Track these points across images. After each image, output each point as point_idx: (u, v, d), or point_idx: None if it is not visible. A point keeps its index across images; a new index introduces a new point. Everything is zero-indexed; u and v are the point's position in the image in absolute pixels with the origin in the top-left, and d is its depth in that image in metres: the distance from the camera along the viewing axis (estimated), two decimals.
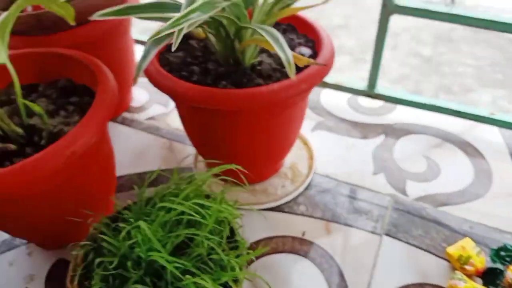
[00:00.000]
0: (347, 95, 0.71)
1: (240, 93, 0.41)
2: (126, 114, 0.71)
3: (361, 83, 0.66)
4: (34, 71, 0.51)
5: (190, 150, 0.64)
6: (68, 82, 0.51)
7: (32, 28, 0.51)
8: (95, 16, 0.39)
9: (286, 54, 0.35)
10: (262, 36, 0.38)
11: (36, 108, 0.40)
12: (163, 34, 0.30)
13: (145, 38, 0.80)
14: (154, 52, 0.40)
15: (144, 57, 0.40)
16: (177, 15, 0.31)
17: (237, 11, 0.41)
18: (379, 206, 0.55)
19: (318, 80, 0.44)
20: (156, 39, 0.40)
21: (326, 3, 0.41)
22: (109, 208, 0.54)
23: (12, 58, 0.50)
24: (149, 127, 0.68)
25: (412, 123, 0.67)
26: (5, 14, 0.42)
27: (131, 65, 0.68)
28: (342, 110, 0.69)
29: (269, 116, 0.46)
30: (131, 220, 0.37)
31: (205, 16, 0.32)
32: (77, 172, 0.43)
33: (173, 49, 0.32)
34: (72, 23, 0.49)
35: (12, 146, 0.43)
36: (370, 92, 0.65)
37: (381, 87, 0.65)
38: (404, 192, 0.57)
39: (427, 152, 0.62)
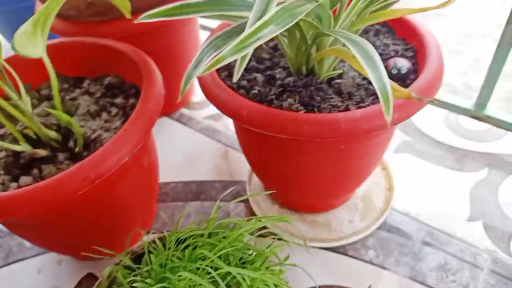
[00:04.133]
0: (446, 111, 0.58)
1: (308, 120, 0.32)
2: (184, 110, 0.64)
3: (467, 101, 0.53)
4: (83, 62, 0.46)
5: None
6: (116, 78, 0.44)
7: (84, 14, 0.45)
8: (142, 19, 0.31)
9: (382, 82, 0.25)
10: (349, 49, 0.28)
11: (63, 117, 0.34)
12: (224, 62, 0.22)
13: (212, 24, 0.72)
14: (207, 60, 0.32)
15: (196, 65, 0.32)
16: (242, 34, 0.22)
17: (320, 12, 0.31)
18: (471, 265, 0.43)
19: (416, 109, 0.33)
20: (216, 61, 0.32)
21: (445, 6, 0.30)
22: (150, 216, 0.48)
23: (59, 47, 0.45)
24: (206, 128, 0.61)
25: None
26: (46, 3, 0.36)
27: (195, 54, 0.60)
28: (436, 130, 0.57)
29: (345, 146, 0.36)
30: (152, 270, 0.30)
31: (280, 30, 0.23)
32: (108, 190, 0.36)
33: (234, 80, 0.24)
34: (128, 16, 0.42)
35: (41, 153, 0.38)
36: (477, 113, 0.51)
37: (494, 109, 0.51)
38: (507, 251, 0.44)
39: None
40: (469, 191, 0.49)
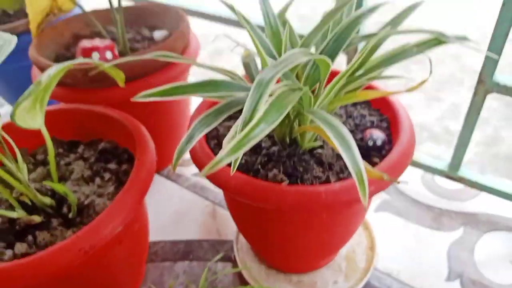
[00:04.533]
0: (422, 171, 0.61)
1: (291, 192, 0.34)
2: None
3: (441, 162, 0.56)
4: (77, 127, 0.48)
5: None
6: (110, 144, 0.47)
7: (80, 82, 0.48)
8: (138, 98, 0.34)
9: (356, 165, 0.28)
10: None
11: (59, 188, 0.36)
12: (220, 165, 0.24)
13: None
14: (200, 136, 0.34)
15: (188, 141, 0.34)
16: (235, 139, 0.24)
17: (302, 96, 0.34)
18: None
19: (391, 183, 0.36)
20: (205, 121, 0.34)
21: (410, 91, 0.33)
22: (139, 278, 0.49)
23: (55, 113, 0.47)
24: (194, 185, 0.62)
25: (501, 215, 0.55)
26: (47, 76, 0.39)
27: (186, 113, 0.63)
28: (414, 189, 0.59)
29: (327, 215, 0.38)
30: None
31: (271, 128, 0.25)
32: (99, 258, 0.38)
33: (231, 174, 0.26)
34: (122, 85, 0.45)
35: (35, 220, 0.39)
36: (451, 174, 0.55)
37: (466, 169, 0.55)
38: None
39: None
40: (446, 250, 0.52)
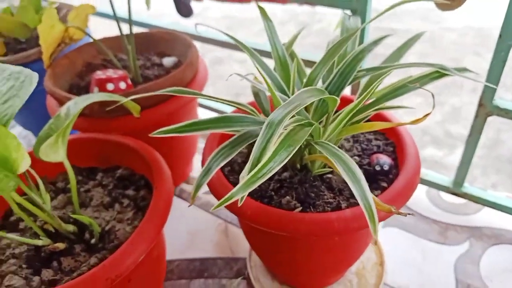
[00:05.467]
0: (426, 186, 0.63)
1: (304, 220, 0.36)
2: (184, 186, 0.68)
3: (446, 178, 0.58)
4: (95, 155, 0.50)
5: None
6: (127, 171, 0.49)
7: (97, 112, 0.50)
8: (156, 134, 0.36)
9: (366, 200, 0.30)
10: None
11: (85, 219, 0.38)
12: (232, 200, 0.26)
13: (211, 103, 0.77)
14: (216, 169, 0.36)
15: (205, 174, 0.37)
16: (245, 178, 0.26)
17: (312, 130, 0.36)
18: None
19: (401, 205, 0.37)
20: (220, 156, 0.36)
21: (415, 123, 0.35)
22: None
23: (74, 142, 0.50)
24: (206, 204, 0.64)
25: (505, 228, 0.57)
26: (67, 111, 0.41)
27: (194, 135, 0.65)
28: (420, 204, 0.61)
29: (339, 238, 0.40)
30: None
31: (279, 167, 0.27)
32: (121, 284, 0.39)
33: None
34: (137, 116, 0.47)
35: (60, 247, 0.41)
36: (455, 190, 0.56)
37: (469, 186, 0.56)
38: None
39: None
40: (453, 264, 0.53)
